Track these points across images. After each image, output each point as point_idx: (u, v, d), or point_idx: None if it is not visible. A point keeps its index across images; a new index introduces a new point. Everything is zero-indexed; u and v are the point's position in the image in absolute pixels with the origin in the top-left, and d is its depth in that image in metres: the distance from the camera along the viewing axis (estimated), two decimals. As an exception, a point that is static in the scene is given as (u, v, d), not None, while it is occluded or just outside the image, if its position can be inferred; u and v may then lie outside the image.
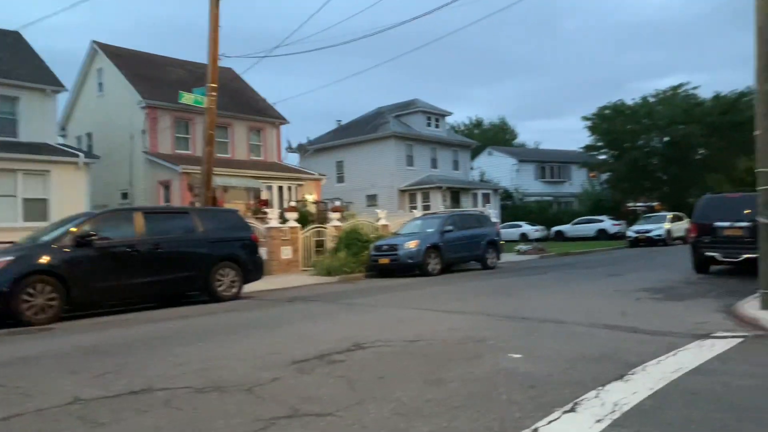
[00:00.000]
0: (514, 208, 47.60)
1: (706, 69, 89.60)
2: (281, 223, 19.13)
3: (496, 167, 51.31)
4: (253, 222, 19.63)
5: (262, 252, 18.58)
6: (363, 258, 17.54)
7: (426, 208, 32.22)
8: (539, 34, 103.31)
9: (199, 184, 22.65)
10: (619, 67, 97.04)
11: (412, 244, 16.49)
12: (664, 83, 69.87)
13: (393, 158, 33.65)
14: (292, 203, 19.40)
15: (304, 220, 21.44)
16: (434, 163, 36.20)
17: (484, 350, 5.72)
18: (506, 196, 48.73)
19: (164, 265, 10.66)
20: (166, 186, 23.90)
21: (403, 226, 19.16)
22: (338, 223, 20.00)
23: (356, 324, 7.63)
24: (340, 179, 35.92)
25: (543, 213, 45.84)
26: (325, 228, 20.01)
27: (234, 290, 11.81)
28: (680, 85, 40.62)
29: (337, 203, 21.01)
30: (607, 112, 41.50)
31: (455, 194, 34.17)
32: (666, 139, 40.09)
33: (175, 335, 7.47)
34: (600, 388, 4.30)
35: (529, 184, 50.77)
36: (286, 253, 18.67)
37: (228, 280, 11.73)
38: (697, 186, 40.39)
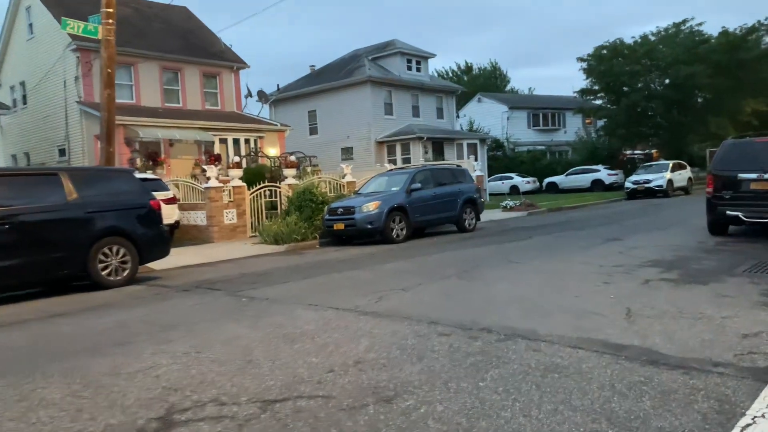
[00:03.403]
0: (505, 159, 44.79)
1: (699, 12, 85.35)
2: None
3: (486, 115, 48.15)
4: (197, 181, 16.89)
5: (201, 216, 15.96)
6: (318, 222, 14.89)
7: (406, 161, 29.42)
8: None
9: (134, 136, 19.87)
10: (608, 14, 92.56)
11: (371, 206, 13.80)
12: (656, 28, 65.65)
13: (369, 106, 30.50)
14: (236, 159, 16.60)
15: (259, 177, 18.67)
16: (416, 111, 33.05)
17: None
18: (497, 146, 45.81)
19: (15, 244, 7.97)
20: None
21: (366, 183, 16.41)
22: (294, 181, 17.24)
23: (217, 348, 4.99)
24: (313, 131, 32.85)
25: (535, 163, 43.09)
26: (278, 187, 17.27)
27: (126, 273, 9.17)
28: (684, 21, 37.16)
29: (292, 158, 18.16)
30: (603, 52, 38.07)
31: (438, 145, 31.22)
32: (667, 81, 36.88)
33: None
34: None
35: (521, 132, 47.74)
36: (229, 217, 15.98)
37: (116, 261, 9.07)
38: (699, 132, 37.57)
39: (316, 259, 11.64)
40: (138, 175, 16.21)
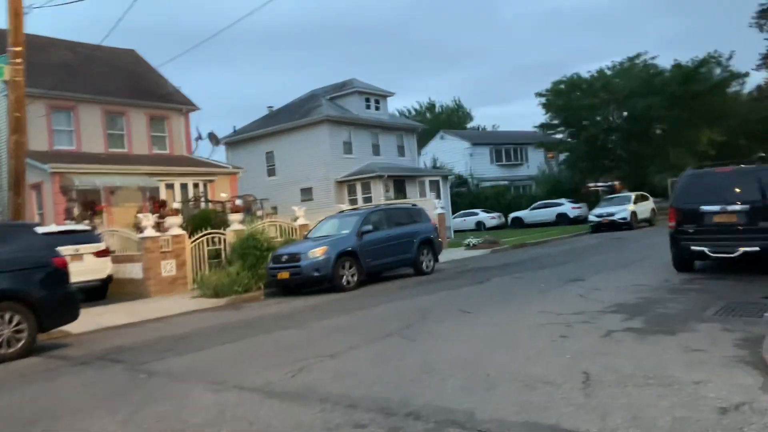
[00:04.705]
0: (469, 195, 44.38)
1: (650, 50, 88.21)
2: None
3: (449, 152, 47.92)
4: (138, 231, 15.60)
5: (137, 269, 14.73)
6: (263, 271, 13.80)
7: (367, 200, 28.59)
8: (480, 22, 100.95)
9: (69, 184, 18.63)
10: (563, 51, 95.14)
11: (318, 252, 12.79)
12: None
13: (327, 146, 29.75)
14: (175, 205, 15.48)
15: (207, 223, 17.51)
16: (376, 150, 32.41)
17: None
18: (461, 182, 45.46)
19: None
20: (38, 189, 19.64)
21: (316, 227, 15.43)
22: (240, 227, 16.15)
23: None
24: (271, 172, 31.90)
25: (500, 198, 42.67)
26: (223, 234, 16.15)
27: (21, 344, 7.92)
28: (638, 55, 37.73)
29: (239, 201, 17.12)
30: (561, 87, 38.31)
31: (400, 183, 30.51)
32: (625, 113, 37.21)
33: None
34: None
35: (484, 168, 47.55)
36: (167, 269, 14.77)
37: (8, 330, 7.83)
38: (659, 163, 37.80)
39: (253, 314, 10.54)
40: (66, 227, 15.12)
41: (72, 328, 10.36)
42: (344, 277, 12.89)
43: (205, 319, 10.53)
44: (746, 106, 39.11)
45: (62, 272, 8.56)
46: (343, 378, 5.36)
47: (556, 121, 39.94)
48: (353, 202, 28.89)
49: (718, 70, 36.16)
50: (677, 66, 35.60)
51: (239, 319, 10.00)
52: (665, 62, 41.17)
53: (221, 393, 5.14)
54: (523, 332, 6.86)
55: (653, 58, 37.15)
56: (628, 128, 36.53)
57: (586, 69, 67.10)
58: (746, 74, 36.72)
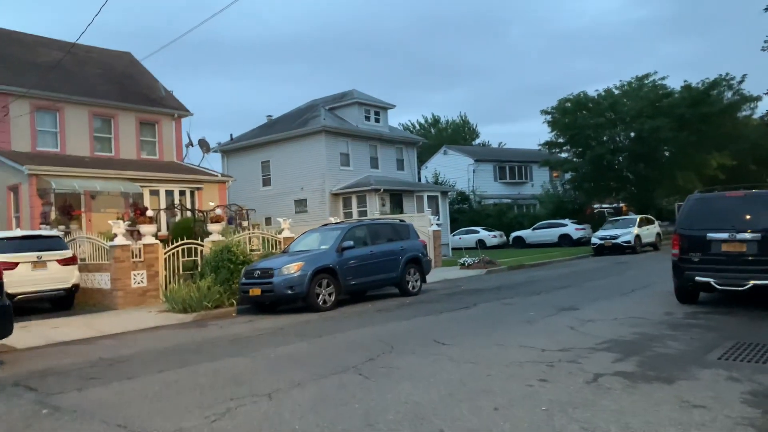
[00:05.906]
0: (471, 212, 43.46)
1: (660, 71, 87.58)
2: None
3: (452, 168, 47.06)
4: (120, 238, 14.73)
5: (105, 279, 13.90)
6: (236, 286, 12.93)
7: (362, 213, 27.75)
8: (487, 41, 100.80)
9: (47, 187, 17.87)
10: (571, 72, 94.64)
11: (293, 268, 11.89)
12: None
13: (324, 157, 28.96)
14: (150, 213, 14.64)
15: (187, 232, 16.71)
16: (374, 163, 31.60)
17: None
18: (462, 198, 44.56)
19: None
20: (15, 191, 18.89)
21: (296, 240, 14.54)
22: (219, 238, 15.30)
23: None
24: (266, 182, 31.12)
25: (502, 217, 41.73)
26: (200, 245, 15.30)
27: (-62, 363, 7.08)
28: (647, 75, 36.88)
29: (219, 211, 16.27)
30: (567, 105, 37.43)
31: (397, 197, 29.63)
32: (632, 134, 36.25)
33: None
34: None
35: (487, 185, 46.64)
36: (137, 280, 13.93)
37: (-77, 346, 7.01)
38: (667, 186, 36.82)
39: (213, 335, 9.64)
40: (30, 232, 14.34)
41: (18, 342, 9.59)
42: (320, 296, 11.98)
43: (161, 338, 9.64)
44: (757, 130, 38.10)
45: (-4, 283, 7.72)
46: (270, 428, 4.46)
47: (561, 140, 39.01)
48: (348, 215, 28.08)
49: (729, 93, 35.26)
50: (687, 87, 34.69)
51: (195, 341, 9.09)
52: (675, 83, 40.35)
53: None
54: (497, 373, 5.94)
55: (663, 78, 36.28)
56: (635, 149, 35.56)
57: (594, 89, 66.66)
58: (758, 98, 35.73)
